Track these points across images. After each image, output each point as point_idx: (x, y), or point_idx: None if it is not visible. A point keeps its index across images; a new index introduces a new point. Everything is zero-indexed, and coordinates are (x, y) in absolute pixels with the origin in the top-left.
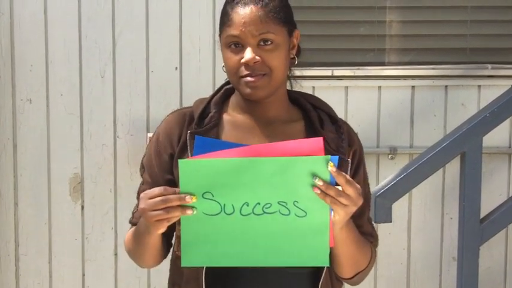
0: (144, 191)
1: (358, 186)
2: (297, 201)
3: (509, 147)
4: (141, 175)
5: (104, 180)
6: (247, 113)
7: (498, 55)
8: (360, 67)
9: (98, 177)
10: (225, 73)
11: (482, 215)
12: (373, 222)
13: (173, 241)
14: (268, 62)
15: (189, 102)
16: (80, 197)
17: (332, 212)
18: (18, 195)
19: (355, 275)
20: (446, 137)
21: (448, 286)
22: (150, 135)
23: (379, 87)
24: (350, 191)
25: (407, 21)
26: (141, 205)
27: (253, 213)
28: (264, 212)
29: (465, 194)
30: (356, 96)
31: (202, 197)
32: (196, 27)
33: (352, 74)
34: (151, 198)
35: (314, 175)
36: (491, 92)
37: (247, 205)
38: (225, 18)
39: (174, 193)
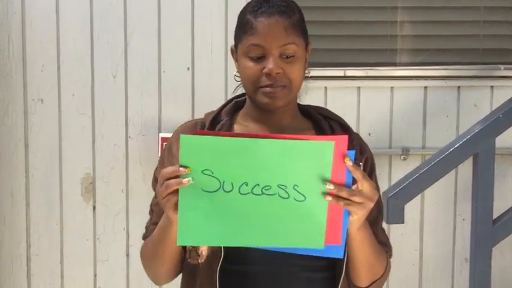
0: (156, 203)
1: (372, 182)
2: (297, 185)
3: None
4: (154, 189)
5: (115, 181)
6: (259, 122)
7: (511, 56)
8: (372, 67)
9: (109, 178)
10: (237, 81)
11: (494, 216)
12: (384, 225)
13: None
14: (288, 74)
15: (201, 102)
16: (91, 197)
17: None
18: (30, 196)
19: (371, 284)
20: (458, 138)
21: (461, 287)
22: (162, 135)
23: (392, 87)
24: (365, 185)
25: (419, 21)
26: (156, 187)
27: (252, 193)
28: (263, 193)
29: (478, 195)
30: (368, 97)
31: (202, 173)
32: (209, 28)
33: (364, 75)
34: (162, 178)
35: (318, 164)
36: (504, 92)
37: (247, 185)
38: (246, 27)
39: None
